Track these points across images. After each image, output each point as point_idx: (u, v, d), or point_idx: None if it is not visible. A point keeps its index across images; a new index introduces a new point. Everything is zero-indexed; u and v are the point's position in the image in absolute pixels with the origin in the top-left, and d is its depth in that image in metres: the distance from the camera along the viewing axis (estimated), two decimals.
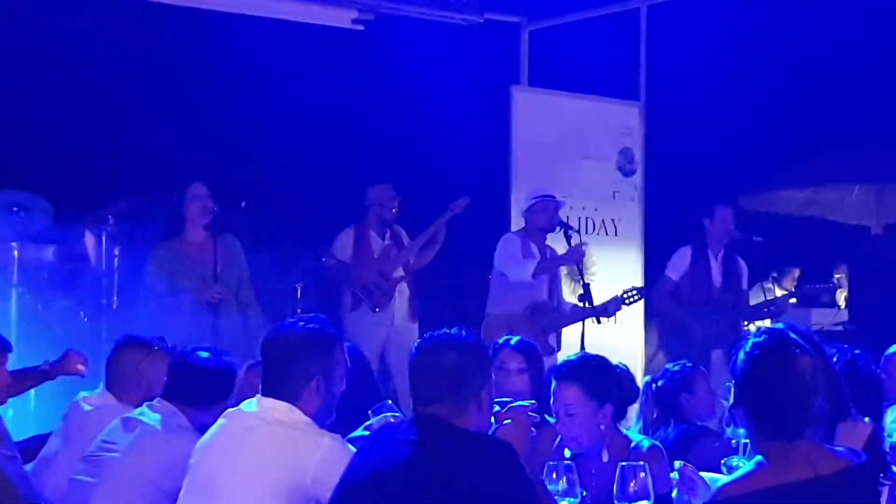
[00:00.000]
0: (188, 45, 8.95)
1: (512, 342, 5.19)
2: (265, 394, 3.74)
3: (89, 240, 8.38)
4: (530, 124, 9.19)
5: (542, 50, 9.91)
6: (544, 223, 8.03)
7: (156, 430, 4.33)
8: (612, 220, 9.47)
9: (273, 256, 8.06)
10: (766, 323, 8.27)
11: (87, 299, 8.03)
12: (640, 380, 5.70)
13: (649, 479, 3.65)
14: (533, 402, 3.75)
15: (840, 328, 10.19)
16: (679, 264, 8.43)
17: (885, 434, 4.58)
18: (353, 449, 3.57)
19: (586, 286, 7.85)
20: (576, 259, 8.00)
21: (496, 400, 3.62)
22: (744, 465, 3.94)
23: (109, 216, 8.30)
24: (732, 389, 3.05)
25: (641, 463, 3.73)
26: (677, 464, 3.99)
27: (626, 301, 7.94)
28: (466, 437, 3.34)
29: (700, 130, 10.38)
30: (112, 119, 8.62)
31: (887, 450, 4.31)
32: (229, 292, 7.56)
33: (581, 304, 7.90)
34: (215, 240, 7.57)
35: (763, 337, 3.03)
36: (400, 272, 8.39)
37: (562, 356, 6.21)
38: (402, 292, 8.40)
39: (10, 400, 5.56)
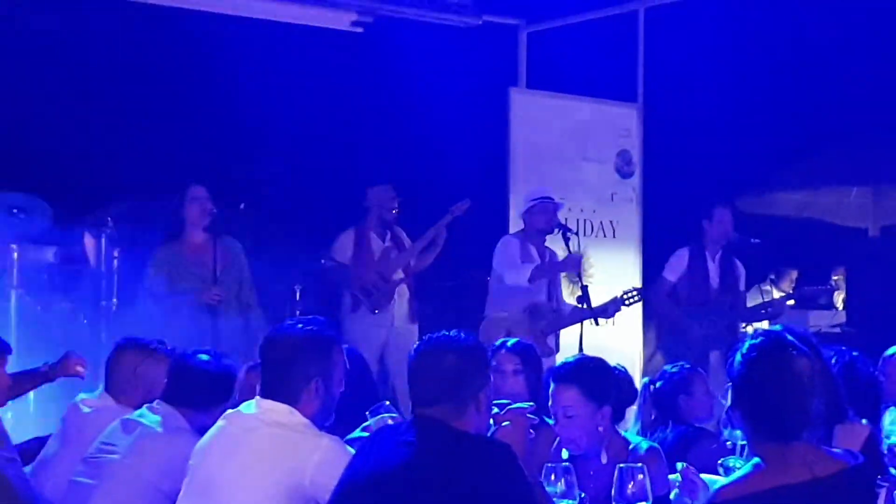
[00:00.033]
0: (188, 47, 8.95)
1: (508, 344, 5.20)
2: (264, 395, 3.75)
3: (89, 241, 8.39)
4: (528, 126, 9.20)
5: (541, 52, 9.91)
6: (543, 225, 8.04)
7: (155, 432, 4.33)
8: (611, 221, 9.47)
9: (272, 258, 8.07)
10: (764, 324, 8.28)
11: (86, 301, 8.03)
12: (639, 381, 5.70)
13: (647, 481, 3.66)
14: (531, 403, 3.77)
15: (838, 330, 10.23)
16: (676, 266, 8.44)
17: (884, 436, 4.58)
18: (352, 450, 3.58)
19: (584, 288, 7.86)
20: (573, 267, 8.02)
21: (495, 402, 3.63)
22: (740, 465, 3.96)
23: (109, 218, 8.31)
24: (729, 391, 3.06)
25: (640, 465, 3.74)
26: (679, 465, 3.99)
27: (626, 302, 7.95)
28: (465, 438, 3.35)
29: (698, 132, 10.39)
30: (112, 121, 8.63)
31: (885, 452, 4.31)
32: (229, 294, 7.56)
33: (580, 306, 7.91)
34: (215, 242, 7.58)
35: (760, 339, 3.04)
36: (400, 274, 8.39)
37: (560, 358, 6.23)
38: (402, 294, 8.41)
39: (10, 402, 5.57)
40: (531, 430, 3.65)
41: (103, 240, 8.25)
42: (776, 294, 9.68)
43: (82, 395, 5.14)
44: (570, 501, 3.70)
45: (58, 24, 8.44)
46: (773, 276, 10.59)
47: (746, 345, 3.04)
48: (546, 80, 9.76)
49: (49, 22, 8.44)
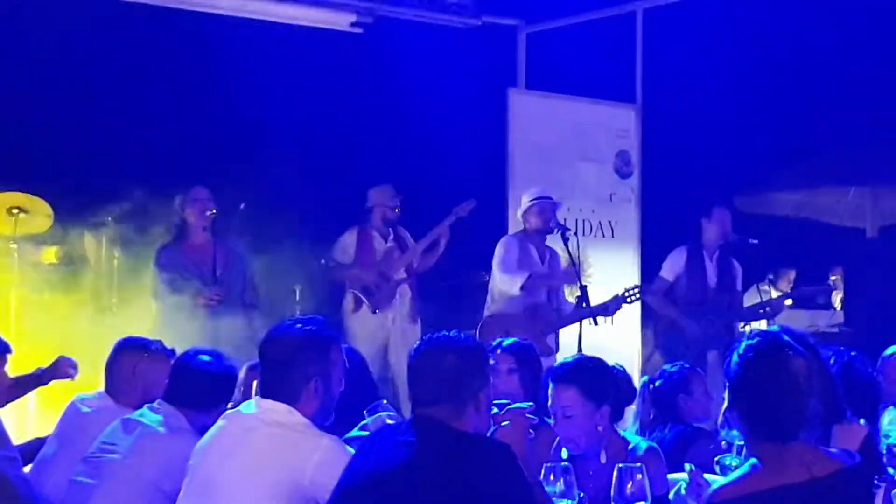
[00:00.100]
0: (188, 47, 8.96)
1: (504, 344, 5.23)
2: (264, 395, 3.76)
3: (89, 241, 8.41)
4: (527, 127, 9.21)
5: (539, 53, 9.92)
6: (542, 224, 8.06)
7: (156, 432, 4.33)
8: (609, 222, 9.48)
9: (271, 258, 8.08)
10: (762, 324, 8.30)
11: (86, 301, 8.04)
12: (637, 381, 5.71)
13: (646, 481, 3.67)
14: (531, 403, 3.78)
15: (836, 330, 10.23)
16: (674, 265, 8.45)
17: (882, 435, 4.59)
18: (352, 450, 3.59)
19: (584, 288, 7.88)
20: (569, 281, 8.05)
21: (494, 402, 3.64)
22: (737, 463, 3.97)
23: (109, 218, 8.33)
24: (726, 392, 3.07)
25: (639, 464, 3.75)
26: (687, 467, 4.00)
27: (628, 299, 7.96)
28: (465, 438, 3.35)
29: (696, 133, 10.41)
30: (112, 121, 8.64)
31: (883, 452, 4.32)
32: (230, 294, 7.57)
33: (581, 306, 7.92)
34: (215, 242, 7.59)
35: (756, 339, 3.05)
36: (401, 274, 8.40)
37: (560, 358, 6.24)
38: (404, 294, 8.42)
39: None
40: (531, 430, 3.66)
41: (103, 240, 8.27)
42: (774, 294, 9.68)
43: (81, 395, 5.15)
44: (570, 501, 3.70)
45: (58, 24, 8.44)
46: (771, 276, 10.58)
47: (743, 345, 3.04)
48: (545, 81, 9.77)
49: (49, 22, 8.44)
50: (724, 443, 4.50)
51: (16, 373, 5.84)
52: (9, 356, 5.63)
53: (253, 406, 3.76)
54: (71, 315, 7.70)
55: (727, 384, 3.07)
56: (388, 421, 4.21)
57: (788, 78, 10.76)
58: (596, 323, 7.87)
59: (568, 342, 7.90)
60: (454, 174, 9.30)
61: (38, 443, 5.25)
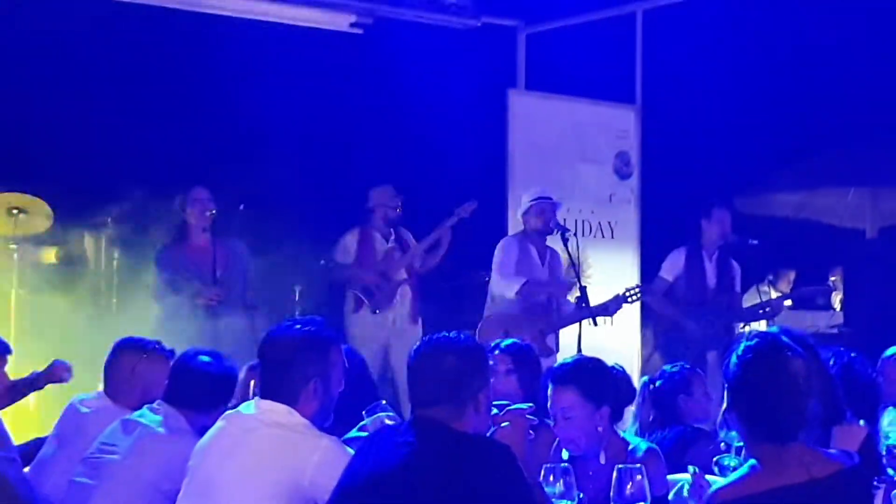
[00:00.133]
0: (188, 48, 8.96)
1: (502, 345, 5.24)
2: (263, 396, 3.76)
3: (89, 242, 8.42)
4: (527, 127, 9.21)
5: (539, 53, 9.92)
6: (542, 225, 8.06)
7: (156, 433, 4.34)
8: (609, 222, 9.48)
9: (271, 259, 8.09)
10: (762, 324, 8.30)
11: (86, 301, 8.05)
12: (637, 381, 5.71)
13: (646, 482, 3.67)
14: (531, 405, 3.78)
15: (835, 331, 10.23)
16: (673, 265, 8.46)
17: (882, 436, 4.59)
18: (352, 451, 3.59)
19: (583, 289, 7.88)
20: (565, 290, 8.05)
21: (494, 403, 3.65)
22: (735, 463, 3.97)
23: (109, 219, 8.34)
24: (725, 393, 3.07)
25: (638, 465, 3.75)
26: (691, 469, 4.00)
27: (629, 299, 7.96)
28: (464, 439, 3.36)
29: (696, 133, 10.41)
30: (112, 121, 8.63)
31: (883, 453, 4.32)
32: (230, 295, 7.57)
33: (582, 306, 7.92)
34: (215, 242, 7.59)
35: (755, 341, 3.05)
36: (402, 274, 8.41)
37: (560, 358, 6.24)
38: (405, 294, 8.42)
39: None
40: (531, 431, 3.66)
41: (103, 240, 8.28)
42: (774, 294, 9.68)
43: (80, 396, 5.15)
44: (569, 502, 3.70)
45: (58, 24, 8.44)
46: (770, 277, 10.57)
47: (742, 346, 3.04)
48: (544, 82, 9.77)
49: (50, 22, 8.44)
50: (723, 444, 4.50)
51: (15, 373, 5.84)
52: (9, 357, 5.64)
53: (252, 407, 3.77)
54: (70, 315, 7.71)
55: (726, 385, 3.07)
56: (387, 422, 4.21)
57: (788, 78, 10.76)
58: (595, 324, 7.87)
59: (568, 343, 7.91)
60: (454, 175, 9.30)
61: (38, 443, 5.25)
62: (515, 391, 4.99)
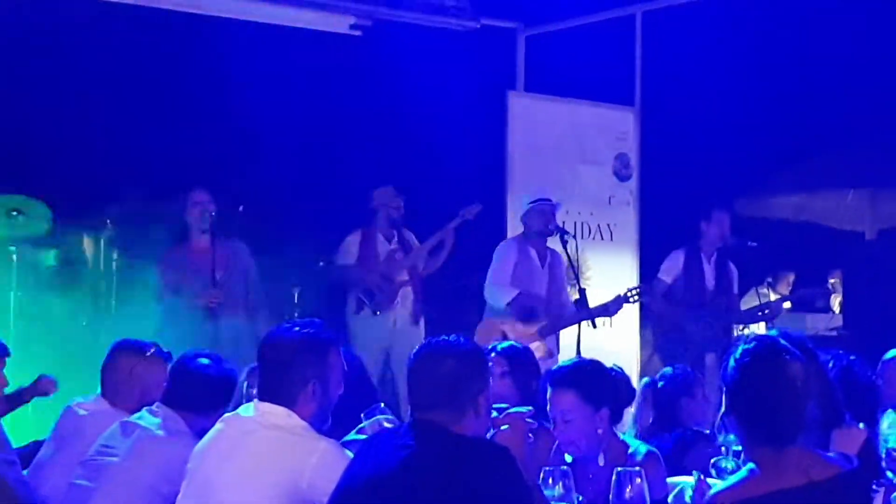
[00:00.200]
0: (188, 50, 8.97)
1: (499, 347, 5.25)
2: (262, 398, 3.76)
3: (88, 244, 8.42)
4: (526, 129, 9.21)
5: (539, 55, 9.93)
6: (541, 226, 8.05)
7: (154, 435, 4.34)
8: (608, 224, 9.48)
9: (270, 260, 8.08)
10: (761, 326, 8.30)
11: (86, 302, 8.05)
12: (636, 383, 5.71)
13: (645, 486, 3.66)
14: (530, 408, 3.78)
15: (834, 333, 10.22)
16: (672, 267, 8.46)
17: (881, 439, 4.59)
18: (350, 454, 3.60)
19: (582, 291, 7.87)
20: (557, 304, 8.04)
21: (494, 406, 3.65)
22: (733, 466, 3.97)
23: (108, 220, 8.34)
24: (723, 396, 3.07)
25: (638, 469, 3.74)
26: (695, 474, 3.99)
27: (630, 299, 7.95)
28: (464, 442, 3.36)
29: (695, 135, 10.41)
30: (112, 122, 8.64)
31: (883, 456, 4.32)
32: (230, 297, 7.56)
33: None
34: (215, 244, 7.59)
35: (753, 344, 3.05)
36: (404, 276, 8.40)
37: (560, 360, 6.24)
38: (406, 296, 8.42)
39: None
40: (530, 434, 3.66)
41: (102, 242, 8.28)
42: (773, 296, 9.69)
43: (78, 399, 5.14)
44: None
45: (58, 25, 8.45)
46: (770, 279, 10.58)
47: (740, 350, 3.04)
48: (544, 84, 9.78)
49: (50, 24, 8.45)
50: (722, 447, 4.49)
51: (14, 375, 5.83)
52: (7, 359, 5.63)
53: (251, 409, 3.77)
54: (70, 317, 7.71)
55: (724, 388, 3.06)
56: (386, 424, 4.21)
57: (787, 80, 10.77)
58: (594, 326, 7.87)
59: (567, 345, 7.90)
60: (453, 177, 9.30)
61: (36, 446, 5.24)
62: (511, 393, 4.98)
